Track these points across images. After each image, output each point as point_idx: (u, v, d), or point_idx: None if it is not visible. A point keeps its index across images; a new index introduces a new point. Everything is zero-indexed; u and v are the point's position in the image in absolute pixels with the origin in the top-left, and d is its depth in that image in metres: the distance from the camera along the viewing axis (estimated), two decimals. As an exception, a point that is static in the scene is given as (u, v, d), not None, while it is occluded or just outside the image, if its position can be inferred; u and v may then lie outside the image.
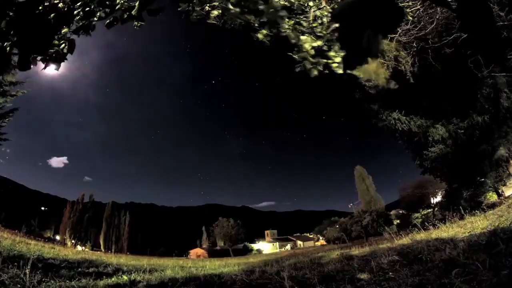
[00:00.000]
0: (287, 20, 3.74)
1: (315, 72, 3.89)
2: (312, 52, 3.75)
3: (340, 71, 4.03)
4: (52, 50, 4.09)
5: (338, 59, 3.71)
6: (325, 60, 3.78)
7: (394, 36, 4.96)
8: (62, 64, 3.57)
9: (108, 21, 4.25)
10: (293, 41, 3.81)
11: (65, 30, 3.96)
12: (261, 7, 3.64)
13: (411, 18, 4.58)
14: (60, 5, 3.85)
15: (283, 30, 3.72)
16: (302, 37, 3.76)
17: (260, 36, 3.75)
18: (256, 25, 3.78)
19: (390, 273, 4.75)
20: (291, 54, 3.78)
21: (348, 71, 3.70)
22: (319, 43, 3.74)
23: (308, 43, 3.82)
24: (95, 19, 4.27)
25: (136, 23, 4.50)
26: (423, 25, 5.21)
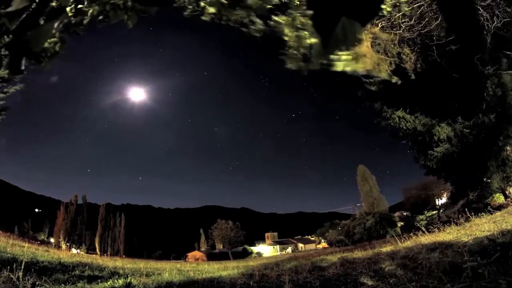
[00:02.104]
0: (282, 17, 3.58)
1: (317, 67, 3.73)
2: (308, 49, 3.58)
3: (340, 68, 3.88)
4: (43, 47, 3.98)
5: (345, 57, 3.53)
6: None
7: (397, 32, 4.80)
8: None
9: (100, 18, 4.15)
10: (288, 37, 3.64)
11: (56, 26, 3.86)
12: (249, 1, 3.48)
13: (407, 11, 4.42)
14: (54, 3, 3.77)
15: (278, 26, 3.56)
16: (301, 33, 3.59)
17: (253, 32, 3.59)
18: (247, 20, 3.63)
19: (393, 278, 4.58)
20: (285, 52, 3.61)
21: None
22: (316, 39, 3.57)
23: (306, 39, 3.65)
24: (88, 16, 4.18)
25: (129, 22, 4.40)
26: (428, 21, 5.04)
